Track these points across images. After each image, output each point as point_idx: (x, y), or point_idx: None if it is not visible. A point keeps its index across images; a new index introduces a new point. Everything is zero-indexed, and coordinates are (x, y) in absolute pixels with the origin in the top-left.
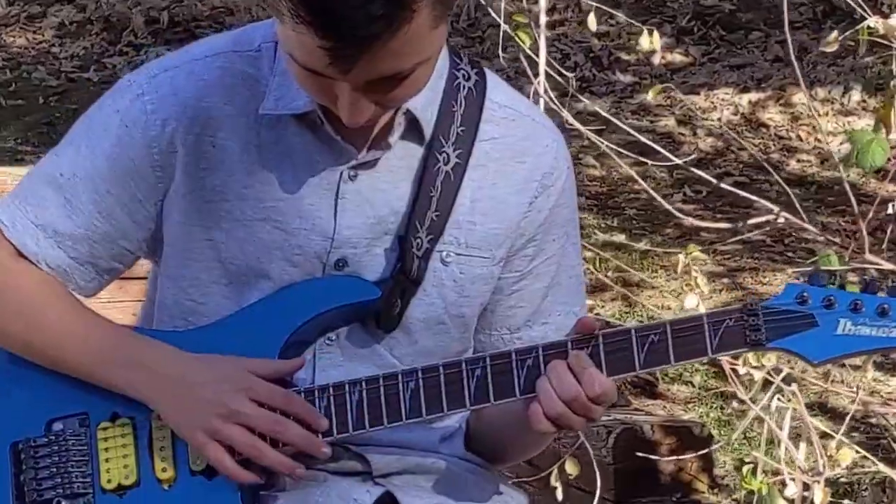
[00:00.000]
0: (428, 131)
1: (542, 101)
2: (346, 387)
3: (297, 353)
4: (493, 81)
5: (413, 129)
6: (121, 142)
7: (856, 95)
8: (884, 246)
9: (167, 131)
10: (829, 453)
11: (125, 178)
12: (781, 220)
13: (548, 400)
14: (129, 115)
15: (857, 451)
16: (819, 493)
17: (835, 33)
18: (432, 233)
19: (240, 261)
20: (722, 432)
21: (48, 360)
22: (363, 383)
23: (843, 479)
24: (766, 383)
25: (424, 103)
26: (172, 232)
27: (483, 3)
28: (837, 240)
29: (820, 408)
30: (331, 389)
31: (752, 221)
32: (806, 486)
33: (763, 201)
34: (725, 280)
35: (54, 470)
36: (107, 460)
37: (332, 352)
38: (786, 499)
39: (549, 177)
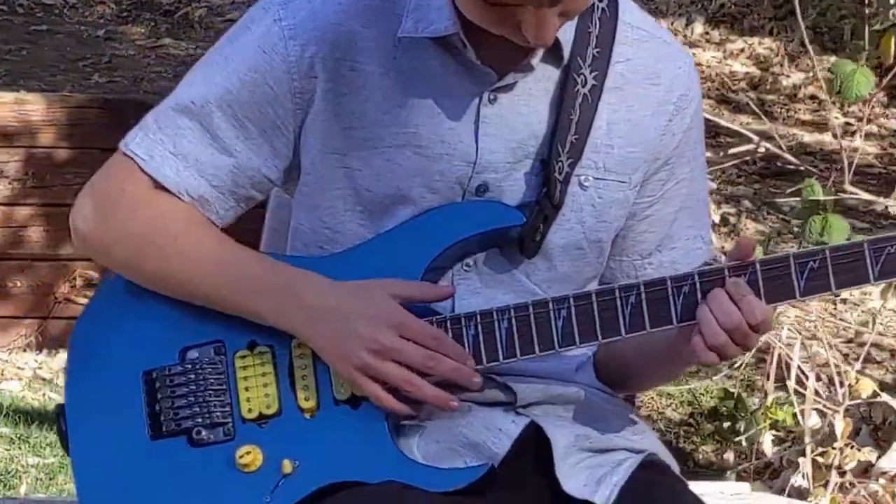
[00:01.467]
0: (566, 52)
1: None
2: (495, 314)
3: (434, 280)
4: (624, 2)
5: (552, 50)
6: (259, 68)
7: (698, 28)
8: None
9: (306, 57)
10: (848, 383)
11: (264, 105)
12: (762, 149)
13: (710, 329)
14: (266, 41)
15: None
16: (840, 424)
17: None
18: (572, 156)
19: (377, 188)
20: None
21: (186, 292)
22: (512, 311)
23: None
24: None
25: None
26: (309, 159)
27: None
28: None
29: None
30: (478, 317)
31: (732, 151)
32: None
33: (745, 131)
34: None
35: (192, 399)
36: (246, 389)
37: (470, 278)
38: (810, 429)
39: (683, 99)
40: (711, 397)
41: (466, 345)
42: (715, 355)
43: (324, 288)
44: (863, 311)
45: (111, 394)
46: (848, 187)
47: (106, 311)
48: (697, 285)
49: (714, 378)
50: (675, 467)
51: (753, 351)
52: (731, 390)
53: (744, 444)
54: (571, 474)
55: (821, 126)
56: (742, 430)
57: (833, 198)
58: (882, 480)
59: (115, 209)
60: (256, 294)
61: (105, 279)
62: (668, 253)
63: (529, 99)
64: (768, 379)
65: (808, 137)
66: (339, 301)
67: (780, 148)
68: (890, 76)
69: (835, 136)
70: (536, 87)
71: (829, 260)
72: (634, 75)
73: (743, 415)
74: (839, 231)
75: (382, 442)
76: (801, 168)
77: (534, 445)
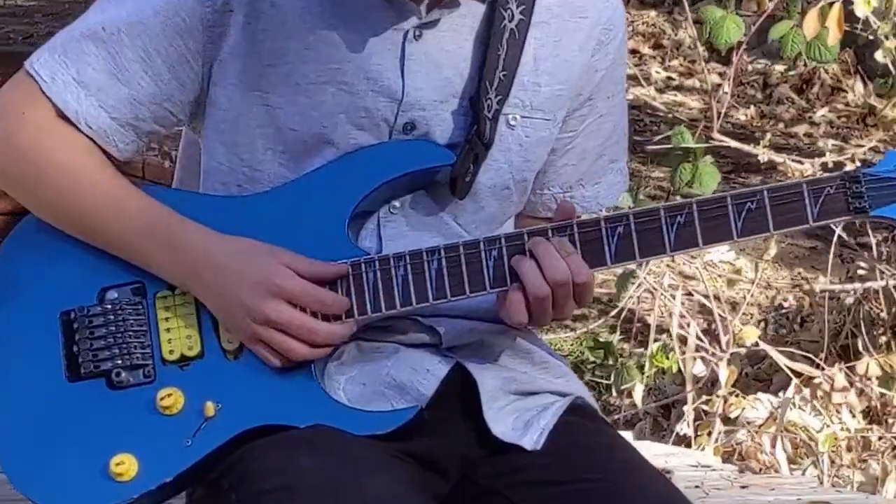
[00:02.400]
0: None
1: None
2: (425, 255)
3: (360, 224)
4: None
5: None
6: None
7: None
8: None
9: None
10: (733, 332)
11: (174, 37)
12: (630, 96)
13: (534, 282)
14: None
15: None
16: (724, 372)
17: None
18: (500, 94)
19: (300, 127)
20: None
21: (81, 230)
22: (442, 251)
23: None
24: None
25: None
26: (226, 96)
27: None
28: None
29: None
30: (408, 258)
31: None
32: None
33: None
34: None
35: (111, 340)
36: (168, 330)
37: (396, 221)
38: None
39: (607, 33)
40: (583, 347)
41: (395, 286)
42: (527, 314)
43: (212, 244)
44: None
45: (26, 335)
46: (716, 135)
47: (19, 252)
48: (632, 225)
49: (589, 328)
50: (599, 411)
51: (635, 298)
52: (602, 340)
53: (614, 394)
54: (498, 418)
55: (693, 75)
56: (614, 380)
57: (704, 146)
58: (744, 431)
59: (12, 131)
60: (145, 243)
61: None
62: (592, 188)
63: (455, 35)
64: (649, 327)
65: (678, 85)
66: (226, 259)
67: (648, 96)
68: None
69: (703, 84)
70: (462, 22)
71: (767, 200)
72: (561, 9)
73: (615, 365)
74: (710, 178)
75: (309, 385)
76: (670, 115)
77: (460, 387)
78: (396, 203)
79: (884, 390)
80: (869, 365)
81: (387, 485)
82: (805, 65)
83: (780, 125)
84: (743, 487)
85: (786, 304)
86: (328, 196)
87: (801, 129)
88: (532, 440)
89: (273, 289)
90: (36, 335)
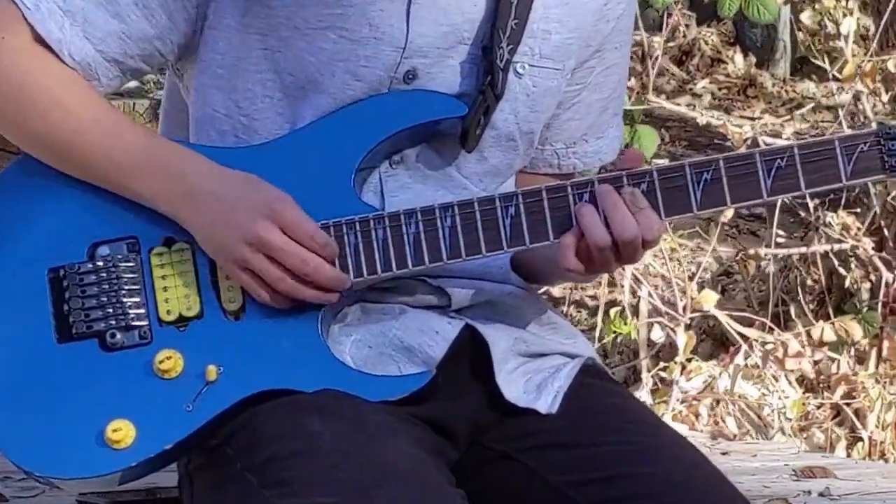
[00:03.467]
0: None
1: None
2: (437, 211)
3: (361, 180)
4: None
5: None
6: None
7: None
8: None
9: None
10: (690, 296)
11: None
12: None
13: (596, 233)
14: None
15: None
16: (682, 338)
17: None
18: (512, 42)
19: (298, 73)
20: None
21: (70, 162)
22: (455, 208)
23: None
24: None
25: None
26: (225, 38)
27: None
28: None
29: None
30: (419, 214)
31: None
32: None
33: None
34: None
35: (104, 299)
36: (165, 289)
37: (398, 174)
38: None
39: None
40: None
41: (407, 244)
42: (580, 264)
43: (210, 171)
44: None
45: (11, 294)
46: (651, 97)
47: (2, 205)
48: (656, 182)
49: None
50: (609, 372)
51: None
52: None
53: None
54: (510, 381)
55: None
56: None
57: (641, 108)
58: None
59: None
60: (137, 169)
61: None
62: (595, 143)
63: None
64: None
65: None
66: (225, 187)
67: None
68: None
69: (640, 46)
70: None
71: (797, 158)
72: None
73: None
74: (649, 140)
75: (316, 347)
76: None
77: (470, 350)
78: (397, 157)
79: (833, 354)
80: (824, 330)
81: (403, 449)
82: (684, 36)
83: (663, 96)
84: (724, 454)
85: (732, 271)
86: (334, 148)
87: (682, 100)
88: (546, 403)
89: (269, 212)
90: (22, 294)
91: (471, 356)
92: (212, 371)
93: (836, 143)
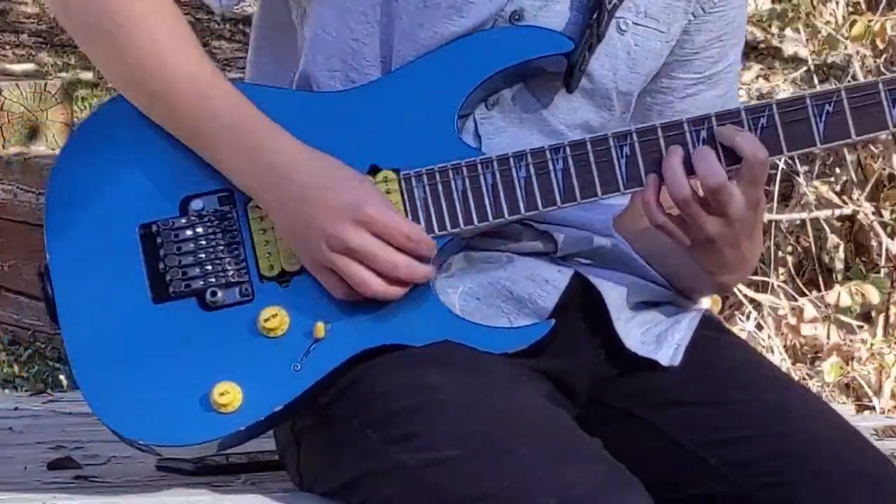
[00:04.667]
0: None
1: None
2: (548, 153)
3: (462, 122)
4: None
5: None
6: None
7: None
8: None
9: None
10: None
11: None
12: None
13: (675, 179)
14: None
15: None
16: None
17: None
18: None
19: (404, 2)
20: None
21: (153, 111)
22: (566, 149)
23: None
24: None
25: None
26: None
27: None
28: None
29: None
30: (529, 157)
31: None
32: None
33: None
34: None
35: (202, 256)
36: (266, 243)
37: (493, 117)
38: None
39: None
40: None
41: (518, 188)
42: (665, 219)
43: (298, 156)
44: None
45: (103, 251)
46: None
47: (87, 157)
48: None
49: None
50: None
51: None
52: None
53: None
54: (627, 330)
55: None
56: None
57: None
58: None
59: None
60: (222, 141)
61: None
62: None
63: None
64: None
65: None
66: (311, 177)
67: None
68: None
69: None
70: None
71: (846, 102)
72: None
73: None
74: None
75: (426, 299)
76: None
77: (580, 300)
78: (493, 98)
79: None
80: (840, 295)
81: (533, 400)
82: None
83: None
84: None
85: None
86: (436, 88)
87: None
88: (668, 355)
89: (359, 216)
90: (112, 251)
91: (581, 306)
92: (320, 328)
93: (881, 86)
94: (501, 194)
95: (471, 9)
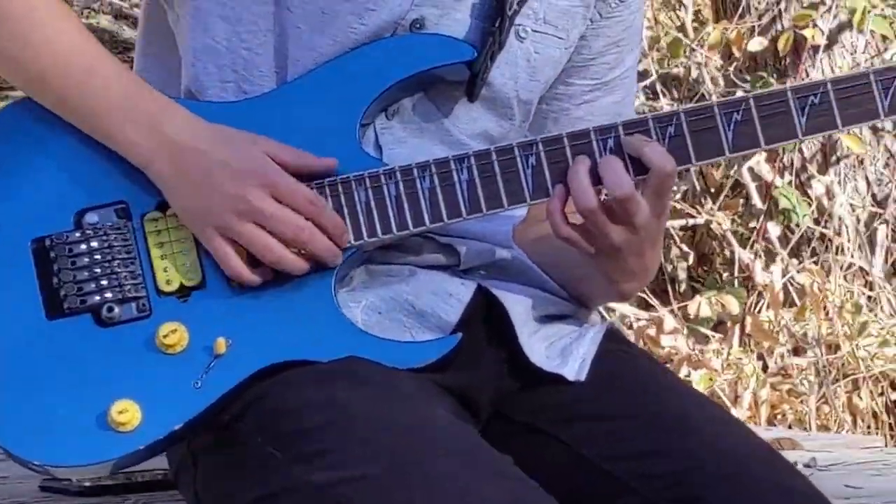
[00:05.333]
0: None
1: None
2: (452, 164)
3: (363, 131)
4: None
5: None
6: None
7: None
8: None
9: None
10: None
11: None
12: None
13: (580, 188)
14: None
15: None
16: None
17: None
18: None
19: (300, 11)
20: None
21: (42, 91)
22: (471, 158)
23: None
24: None
25: None
26: None
27: None
28: None
29: None
30: (433, 167)
31: None
32: None
33: None
34: None
35: (97, 271)
36: (162, 258)
37: (393, 127)
38: None
39: None
40: None
41: (422, 199)
42: (570, 230)
43: (193, 125)
44: None
45: None
46: None
47: None
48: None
49: None
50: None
51: None
52: None
53: None
54: (531, 345)
55: None
56: None
57: None
58: None
59: None
60: (117, 115)
61: None
62: None
63: None
64: None
65: None
66: (208, 145)
67: None
68: None
69: None
70: None
71: (832, 94)
72: None
73: None
74: None
75: (331, 314)
76: None
77: (483, 313)
78: (393, 108)
79: (705, 331)
80: (700, 305)
81: (444, 416)
82: None
83: None
84: None
85: None
86: (337, 97)
87: None
88: (573, 370)
89: (264, 180)
90: (5, 267)
91: (485, 320)
92: (221, 344)
93: (872, 77)
94: (406, 206)
95: (371, 16)
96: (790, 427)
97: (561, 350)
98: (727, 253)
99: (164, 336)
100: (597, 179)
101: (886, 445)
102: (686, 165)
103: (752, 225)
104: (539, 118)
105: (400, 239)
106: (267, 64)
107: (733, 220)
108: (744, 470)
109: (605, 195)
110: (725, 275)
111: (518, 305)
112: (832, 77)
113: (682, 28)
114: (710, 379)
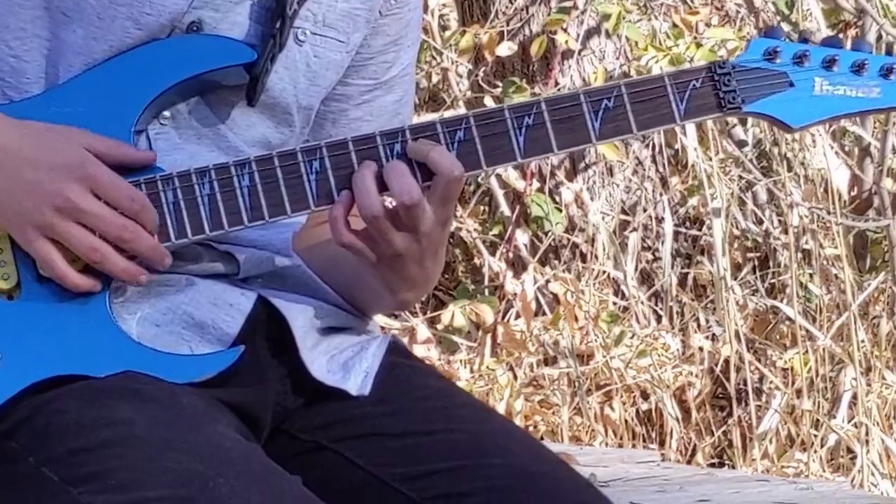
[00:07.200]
0: None
1: None
2: (233, 169)
3: (137, 138)
4: None
5: None
6: None
7: None
8: None
9: None
10: None
11: None
12: None
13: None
14: None
15: None
16: None
17: None
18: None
19: (74, 15)
20: None
21: None
22: (252, 164)
23: None
24: None
25: None
26: None
27: None
28: None
29: None
30: (213, 173)
31: None
32: None
33: None
34: None
35: None
36: None
37: (168, 133)
38: None
39: None
40: None
41: (202, 207)
42: (352, 237)
43: (1, 122)
44: None
45: None
46: None
47: None
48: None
49: None
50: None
51: None
52: None
53: None
54: (313, 359)
55: None
56: None
57: None
58: None
59: None
60: None
61: None
62: None
63: None
64: None
65: None
66: (21, 141)
67: None
68: None
69: None
70: None
71: (626, 98)
72: None
73: None
74: None
75: (106, 327)
76: None
77: (265, 325)
78: (167, 113)
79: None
80: (455, 314)
81: (230, 435)
82: None
83: None
84: None
85: None
86: (111, 102)
87: None
88: (356, 384)
89: (83, 174)
90: None
91: (266, 333)
92: None
93: (667, 80)
94: (184, 214)
95: (148, 20)
96: (542, 438)
97: (343, 363)
98: (477, 261)
99: None
100: (383, 185)
101: (664, 459)
102: (477, 171)
103: (494, 232)
104: (318, 120)
105: (178, 248)
106: (35, 71)
107: (476, 229)
108: (547, 492)
109: (391, 202)
110: (473, 284)
111: (299, 317)
112: (626, 80)
113: (427, 31)
114: (470, 390)
